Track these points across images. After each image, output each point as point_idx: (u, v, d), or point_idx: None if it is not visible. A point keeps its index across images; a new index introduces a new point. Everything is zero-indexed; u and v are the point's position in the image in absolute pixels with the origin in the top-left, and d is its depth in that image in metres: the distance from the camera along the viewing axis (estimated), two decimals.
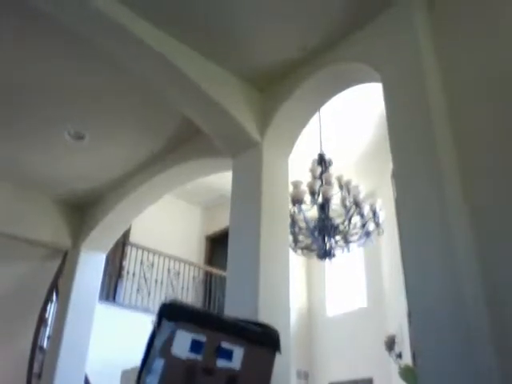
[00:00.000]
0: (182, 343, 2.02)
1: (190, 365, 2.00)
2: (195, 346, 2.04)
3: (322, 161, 5.53)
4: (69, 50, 3.90)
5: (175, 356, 2.00)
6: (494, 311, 2.35)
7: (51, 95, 4.41)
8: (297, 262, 8.36)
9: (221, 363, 2.07)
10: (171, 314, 2.05)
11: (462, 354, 2.29)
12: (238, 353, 2.11)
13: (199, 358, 2.03)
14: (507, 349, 2.26)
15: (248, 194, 3.92)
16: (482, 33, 3.00)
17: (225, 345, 2.09)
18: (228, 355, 2.09)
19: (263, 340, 2.28)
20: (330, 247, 5.12)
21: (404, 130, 3.03)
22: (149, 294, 7.43)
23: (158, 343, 2.01)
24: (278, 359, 3.29)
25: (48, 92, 4.37)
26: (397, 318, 6.72)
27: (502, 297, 2.37)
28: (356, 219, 5.18)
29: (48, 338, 6.30)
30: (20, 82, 4.27)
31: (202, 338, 2.06)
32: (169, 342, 2.00)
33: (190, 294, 7.99)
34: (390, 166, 3.12)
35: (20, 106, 4.55)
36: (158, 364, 1.97)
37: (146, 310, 7.08)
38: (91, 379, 5.77)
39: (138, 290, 7.42)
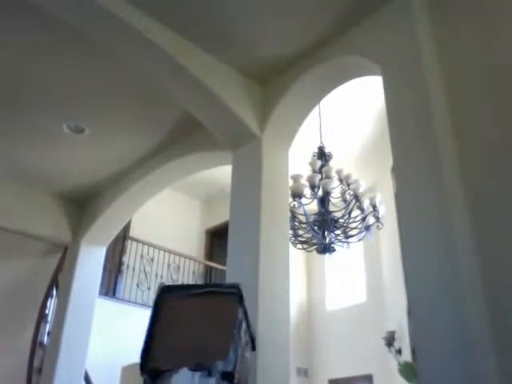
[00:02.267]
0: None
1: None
2: None
3: (322, 154, 5.52)
4: (68, 45, 3.88)
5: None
6: (493, 310, 2.35)
7: (51, 90, 4.39)
8: (296, 257, 8.36)
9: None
10: (241, 298, 2.45)
11: (461, 353, 2.29)
12: None
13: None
14: (507, 348, 2.25)
15: (248, 187, 3.91)
16: (483, 24, 2.99)
17: None
18: None
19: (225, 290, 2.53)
20: (330, 241, 5.12)
21: (404, 123, 3.02)
22: (149, 288, 7.43)
23: (238, 323, 2.44)
24: (278, 357, 3.30)
25: (47, 87, 4.35)
26: (396, 314, 6.73)
27: (502, 295, 2.36)
28: (356, 213, 5.18)
29: (48, 333, 6.30)
30: (19, 78, 4.25)
31: None
32: (240, 325, 2.46)
33: None
34: (390, 160, 3.11)
35: (19, 101, 4.53)
36: (239, 343, 2.36)
37: (146, 305, 7.08)
38: (91, 374, 5.78)
39: (137, 284, 7.42)
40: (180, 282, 7.85)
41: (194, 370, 2.13)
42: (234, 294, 2.47)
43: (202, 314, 2.42)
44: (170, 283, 7.67)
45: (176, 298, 2.41)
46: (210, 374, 2.05)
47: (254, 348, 2.69)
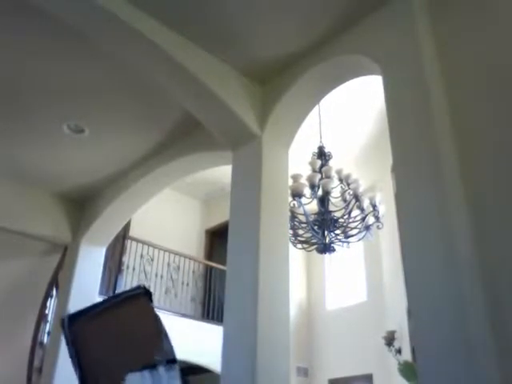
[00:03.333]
0: None
1: None
2: None
3: (322, 154, 5.52)
4: (68, 45, 3.88)
5: None
6: (493, 309, 2.34)
7: (50, 90, 4.39)
8: (296, 256, 8.36)
9: None
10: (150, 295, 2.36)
11: (461, 352, 2.29)
12: None
13: None
14: (507, 348, 2.25)
15: (248, 187, 3.91)
16: (483, 24, 2.99)
17: None
18: None
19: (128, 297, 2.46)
20: (330, 241, 5.12)
21: (404, 123, 3.02)
22: (149, 288, 7.41)
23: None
24: (278, 357, 3.31)
25: (47, 87, 4.35)
26: (396, 314, 6.73)
27: (502, 295, 2.36)
28: (356, 213, 5.18)
29: (48, 333, 6.30)
30: (19, 78, 4.25)
31: None
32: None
33: (189, 288, 8.00)
34: (390, 159, 3.11)
35: (19, 101, 4.53)
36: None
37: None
38: None
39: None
40: (180, 282, 7.85)
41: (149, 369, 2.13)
42: (138, 295, 2.43)
43: (119, 327, 2.34)
44: (171, 285, 7.67)
45: (82, 324, 2.31)
46: (155, 368, 2.07)
47: None
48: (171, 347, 2.14)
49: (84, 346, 2.27)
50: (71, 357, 2.28)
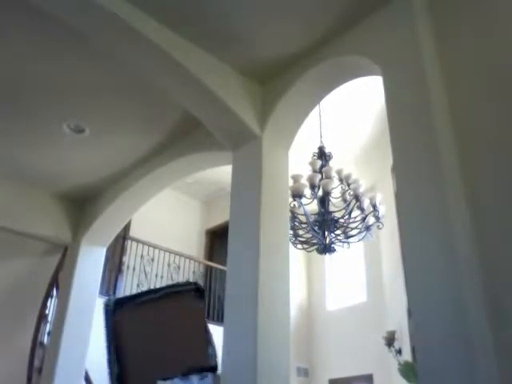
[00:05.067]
0: None
1: None
2: None
3: (322, 154, 5.53)
4: (68, 45, 3.88)
5: None
6: (494, 309, 2.34)
7: (51, 90, 4.39)
8: (297, 256, 8.36)
9: None
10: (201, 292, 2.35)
11: (461, 353, 2.29)
12: None
13: None
14: (507, 348, 2.25)
15: (248, 187, 3.91)
16: (483, 24, 2.99)
17: None
18: None
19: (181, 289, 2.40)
20: (330, 241, 5.12)
21: (404, 123, 3.02)
22: (149, 288, 7.42)
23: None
24: (278, 357, 3.30)
25: (47, 87, 4.35)
26: (396, 314, 6.73)
27: (502, 295, 2.36)
28: (356, 213, 5.18)
29: (48, 333, 6.30)
30: (19, 78, 4.25)
31: None
32: None
33: None
34: (391, 159, 3.11)
35: (19, 101, 4.53)
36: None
37: None
38: (91, 374, 5.77)
39: (138, 284, 7.42)
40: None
41: (182, 377, 2.08)
42: (191, 290, 2.37)
43: (164, 320, 2.29)
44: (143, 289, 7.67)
45: (129, 310, 2.25)
46: (195, 373, 2.02)
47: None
48: (214, 353, 2.10)
49: (125, 332, 2.21)
50: (108, 341, 2.23)
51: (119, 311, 2.20)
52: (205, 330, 2.16)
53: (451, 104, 2.89)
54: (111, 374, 2.14)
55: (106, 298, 2.24)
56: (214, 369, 2.07)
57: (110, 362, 2.20)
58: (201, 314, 2.23)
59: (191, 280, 8.08)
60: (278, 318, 3.45)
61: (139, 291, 2.33)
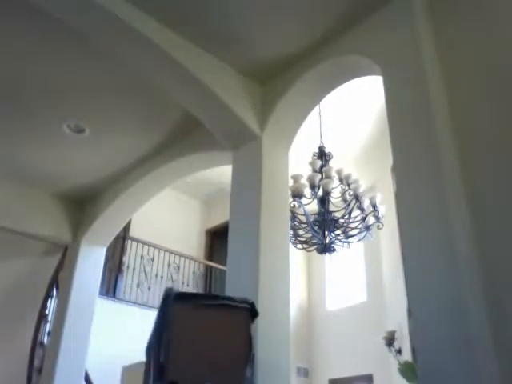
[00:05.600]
0: None
1: None
2: None
3: (322, 154, 5.52)
4: (68, 45, 3.88)
5: None
6: (493, 309, 2.34)
7: (51, 90, 4.39)
8: (297, 257, 8.36)
9: None
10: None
11: (461, 352, 2.28)
12: None
13: None
14: (507, 348, 2.25)
15: (248, 187, 3.91)
16: (483, 24, 2.99)
17: None
18: None
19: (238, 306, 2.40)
20: (330, 241, 5.11)
21: (404, 123, 3.02)
22: (149, 288, 7.43)
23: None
24: (278, 357, 3.30)
25: (47, 87, 4.35)
26: (396, 314, 6.73)
27: (502, 295, 2.36)
28: (356, 213, 5.18)
29: (48, 333, 6.30)
30: (19, 78, 4.25)
31: None
32: None
33: (190, 289, 7.99)
34: (391, 159, 3.11)
35: (19, 101, 4.53)
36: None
37: (146, 305, 7.08)
38: (91, 374, 5.78)
39: (138, 284, 7.42)
40: (180, 282, 7.85)
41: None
42: (246, 309, 2.40)
43: (216, 328, 2.30)
44: (171, 285, 7.67)
45: (190, 307, 2.27)
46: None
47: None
48: (252, 375, 2.10)
49: (180, 326, 2.21)
50: (158, 327, 2.22)
51: (179, 304, 2.22)
52: (248, 351, 2.17)
53: (451, 104, 2.89)
54: (153, 360, 2.15)
55: (167, 288, 2.26)
56: None
57: (152, 348, 2.20)
58: (249, 334, 2.26)
59: (190, 279, 8.08)
60: (278, 317, 3.45)
61: (201, 292, 2.41)
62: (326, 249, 5.10)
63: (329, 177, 5.18)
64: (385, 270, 7.53)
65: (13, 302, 6.66)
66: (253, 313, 2.38)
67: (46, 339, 6.36)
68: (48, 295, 6.65)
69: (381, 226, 5.15)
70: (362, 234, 5.14)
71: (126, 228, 7.37)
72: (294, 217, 5.12)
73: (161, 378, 2.10)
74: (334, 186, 5.11)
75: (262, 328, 3.25)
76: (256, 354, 3.12)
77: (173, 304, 2.22)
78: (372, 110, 6.30)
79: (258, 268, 3.47)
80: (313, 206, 5.17)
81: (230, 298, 2.44)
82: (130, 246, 7.59)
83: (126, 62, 3.98)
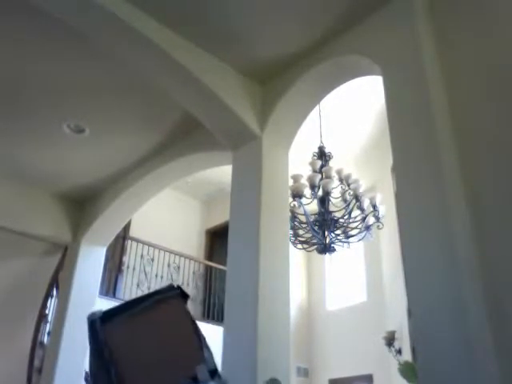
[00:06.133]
0: None
1: None
2: None
3: (322, 154, 5.52)
4: (68, 45, 3.89)
5: None
6: (493, 309, 2.34)
7: (51, 90, 4.39)
8: (297, 257, 8.36)
9: None
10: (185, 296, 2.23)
11: (461, 353, 2.29)
12: None
13: None
14: (507, 348, 2.25)
15: (248, 187, 3.91)
16: (483, 24, 2.99)
17: None
18: None
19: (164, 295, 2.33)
20: (330, 241, 5.11)
21: (404, 123, 3.02)
22: (149, 288, 7.42)
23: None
24: (278, 357, 3.30)
25: (47, 87, 4.35)
26: (396, 314, 6.72)
27: (502, 295, 2.36)
28: (356, 213, 5.18)
29: (48, 333, 6.30)
30: (19, 78, 4.25)
31: None
32: None
33: (190, 289, 7.99)
34: (391, 159, 3.11)
35: (19, 101, 4.53)
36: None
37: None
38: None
39: (138, 284, 7.41)
40: (180, 282, 7.85)
41: None
42: (177, 295, 2.34)
43: (156, 329, 2.25)
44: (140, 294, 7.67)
45: (120, 323, 2.20)
46: (198, 381, 1.97)
47: None
48: (211, 355, 2.05)
49: (119, 348, 2.12)
50: (103, 357, 2.11)
51: (108, 325, 2.12)
52: (197, 334, 2.10)
53: (451, 104, 2.89)
54: None
55: (91, 312, 2.14)
56: (214, 372, 2.01)
57: (100, 377, 2.09)
58: (190, 318, 2.19)
59: (190, 279, 8.08)
60: (278, 317, 3.45)
61: (125, 301, 2.27)
62: (325, 249, 5.09)
63: (329, 177, 5.17)
64: (385, 270, 7.53)
65: (13, 302, 6.66)
66: (184, 295, 2.31)
67: (46, 339, 6.37)
68: (48, 295, 6.65)
69: (381, 226, 5.14)
70: (362, 234, 5.13)
71: (126, 228, 7.36)
72: (294, 217, 5.12)
73: None
74: (334, 185, 5.10)
75: (262, 328, 3.25)
76: (256, 354, 3.13)
77: (101, 328, 2.11)
78: (372, 110, 6.29)
79: (258, 268, 3.47)
80: (313, 206, 5.16)
81: (156, 292, 2.36)
82: (130, 246, 7.58)
83: (126, 62, 3.98)
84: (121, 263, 7.50)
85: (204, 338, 2.11)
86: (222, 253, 7.30)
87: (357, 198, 5.08)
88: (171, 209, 8.87)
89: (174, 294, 2.25)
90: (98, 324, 2.07)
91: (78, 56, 4.01)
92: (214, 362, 2.01)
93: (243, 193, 3.96)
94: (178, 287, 2.28)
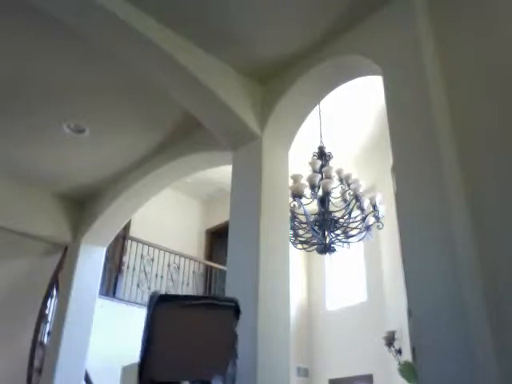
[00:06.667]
0: None
1: None
2: None
3: (322, 154, 5.52)
4: (68, 45, 3.88)
5: None
6: (493, 309, 2.34)
7: (51, 90, 4.39)
8: (296, 257, 8.36)
9: None
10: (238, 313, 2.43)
11: (462, 353, 2.28)
12: None
13: None
14: (507, 348, 2.25)
15: (248, 187, 3.91)
16: (483, 24, 2.99)
17: None
18: None
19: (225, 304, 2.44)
20: (330, 241, 5.11)
21: (404, 123, 3.02)
22: (149, 288, 7.42)
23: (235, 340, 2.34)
24: (278, 357, 3.30)
25: (47, 87, 4.35)
26: (396, 314, 6.73)
27: (502, 295, 2.36)
28: (356, 213, 5.18)
29: (48, 333, 6.30)
30: (19, 78, 4.25)
31: None
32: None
33: (190, 289, 7.99)
34: (390, 159, 3.11)
35: (19, 101, 4.53)
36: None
37: (146, 305, 7.06)
38: (91, 374, 5.77)
39: (138, 284, 7.42)
40: (180, 282, 7.85)
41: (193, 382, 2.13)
42: (231, 308, 2.44)
43: (199, 326, 2.35)
44: (172, 285, 7.69)
45: (172, 307, 2.33)
46: None
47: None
48: (233, 373, 2.13)
49: (164, 322, 2.30)
50: (148, 326, 2.31)
51: (162, 304, 2.30)
52: (232, 349, 2.21)
53: (451, 104, 2.89)
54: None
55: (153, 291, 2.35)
56: None
57: (143, 340, 2.30)
58: (234, 332, 2.31)
59: (190, 278, 8.08)
60: (278, 317, 3.45)
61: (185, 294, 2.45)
62: (326, 249, 5.09)
63: (329, 177, 5.17)
64: (385, 270, 7.53)
65: (13, 302, 6.66)
66: (237, 311, 2.41)
67: (46, 339, 6.36)
68: (48, 295, 6.65)
69: (381, 226, 5.14)
70: (362, 234, 5.13)
71: (126, 228, 7.37)
72: (294, 217, 5.12)
73: (140, 377, 2.18)
74: (334, 186, 5.10)
75: (262, 328, 3.25)
76: (256, 354, 3.13)
77: (155, 305, 2.29)
78: (372, 110, 6.29)
79: (258, 268, 3.47)
80: (313, 206, 5.17)
81: (214, 298, 2.51)
82: (130, 246, 7.58)
83: (126, 62, 3.98)
84: (121, 263, 7.50)
85: (236, 355, 2.20)
86: (221, 253, 7.30)
87: (357, 198, 5.08)
88: (171, 209, 8.88)
89: (229, 306, 2.37)
90: (154, 301, 2.23)
91: (78, 56, 4.01)
92: (232, 380, 2.09)
93: (243, 193, 3.96)
94: (236, 302, 2.40)
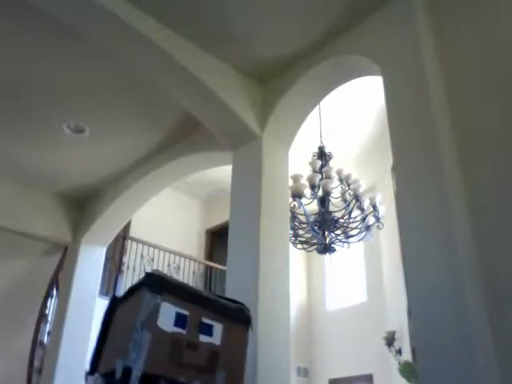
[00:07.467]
0: (167, 316, 2.10)
1: (176, 338, 2.08)
2: (179, 320, 2.14)
3: (322, 154, 5.52)
4: (68, 45, 3.88)
5: (161, 329, 2.06)
6: (493, 310, 2.34)
7: (50, 90, 4.39)
8: (296, 257, 8.36)
9: (203, 338, 2.16)
10: (156, 285, 2.14)
11: (461, 352, 2.28)
12: (218, 328, 2.23)
13: (183, 332, 2.11)
14: (507, 348, 2.25)
15: (248, 187, 3.91)
16: (483, 24, 2.99)
17: (205, 320, 2.20)
18: (209, 330, 2.21)
19: (237, 316, 2.39)
20: (330, 241, 5.11)
21: (404, 123, 3.01)
22: None
23: (141, 316, 2.06)
24: (278, 357, 3.30)
25: (47, 87, 4.35)
26: (396, 314, 6.73)
27: (502, 295, 2.36)
28: (356, 213, 5.18)
29: (48, 333, 6.30)
30: (19, 78, 4.25)
31: (185, 312, 2.16)
32: (154, 314, 2.06)
33: None
34: (390, 160, 3.11)
35: (19, 101, 4.53)
36: (144, 337, 2.02)
37: None
38: None
39: None
40: None
41: (103, 374, 2.13)
42: (242, 322, 2.42)
43: (124, 319, 2.36)
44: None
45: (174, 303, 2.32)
46: (113, 376, 1.99)
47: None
48: (138, 354, 2.11)
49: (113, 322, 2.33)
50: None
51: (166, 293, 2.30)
52: (132, 334, 2.14)
53: (451, 104, 2.89)
54: None
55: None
56: (127, 371, 2.06)
57: None
58: (245, 342, 2.31)
59: (190, 279, 8.08)
60: (278, 317, 3.45)
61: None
62: (326, 249, 5.09)
63: (329, 177, 5.18)
64: (385, 270, 7.54)
65: (13, 302, 6.66)
66: (248, 323, 2.39)
67: (46, 339, 6.37)
68: (48, 295, 6.66)
69: (381, 226, 5.15)
70: (362, 234, 5.14)
71: (126, 228, 7.37)
72: (294, 217, 5.12)
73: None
74: (333, 186, 5.11)
75: (262, 328, 3.25)
76: (256, 354, 3.13)
77: (152, 295, 2.25)
78: (372, 110, 6.30)
79: (258, 268, 3.47)
80: (313, 206, 5.17)
81: (235, 302, 2.46)
82: (130, 246, 7.58)
83: (126, 62, 3.98)
84: (121, 263, 7.49)
85: (141, 337, 2.17)
86: (221, 253, 7.30)
87: (357, 198, 5.08)
88: (171, 209, 8.88)
89: (243, 318, 2.33)
90: (150, 290, 2.18)
91: (78, 56, 4.01)
92: (136, 362, 2.00)
93: (243, 193, 3.96)
94: (248, 313, 2.36)
